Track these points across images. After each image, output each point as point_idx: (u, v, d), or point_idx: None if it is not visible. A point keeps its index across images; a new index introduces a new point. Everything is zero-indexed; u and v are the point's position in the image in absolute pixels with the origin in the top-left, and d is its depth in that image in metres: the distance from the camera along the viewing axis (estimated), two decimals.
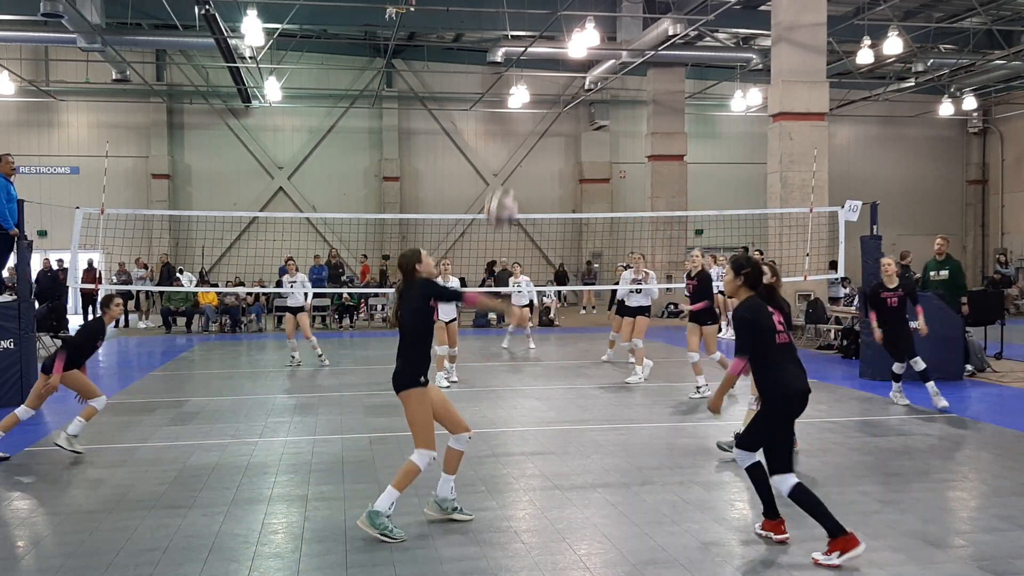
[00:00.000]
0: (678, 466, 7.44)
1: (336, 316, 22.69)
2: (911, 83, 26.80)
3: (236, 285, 22.26)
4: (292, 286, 14.88)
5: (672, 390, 11.80)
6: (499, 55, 22.84)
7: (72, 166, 28.00)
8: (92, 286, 20.13)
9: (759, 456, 5.55)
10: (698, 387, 10.89)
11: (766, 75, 22.42)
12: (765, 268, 5.97)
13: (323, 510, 6.26)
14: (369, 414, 10.04)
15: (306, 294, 14.91)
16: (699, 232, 29.26)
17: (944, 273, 13.11)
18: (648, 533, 5.67)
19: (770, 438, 5.42)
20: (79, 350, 8.20)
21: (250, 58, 22.84)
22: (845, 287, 18.48)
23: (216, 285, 23.54)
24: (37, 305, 14.88)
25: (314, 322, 22.71)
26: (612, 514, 6.11)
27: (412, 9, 18.19)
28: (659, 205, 25.29)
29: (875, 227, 12.86)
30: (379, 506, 5.61)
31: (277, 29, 20.77)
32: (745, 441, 5.62)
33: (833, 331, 16.62)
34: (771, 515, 5.59)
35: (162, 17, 21.83)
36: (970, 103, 28.11)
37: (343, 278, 24.21)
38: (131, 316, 23.59)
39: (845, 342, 15.26)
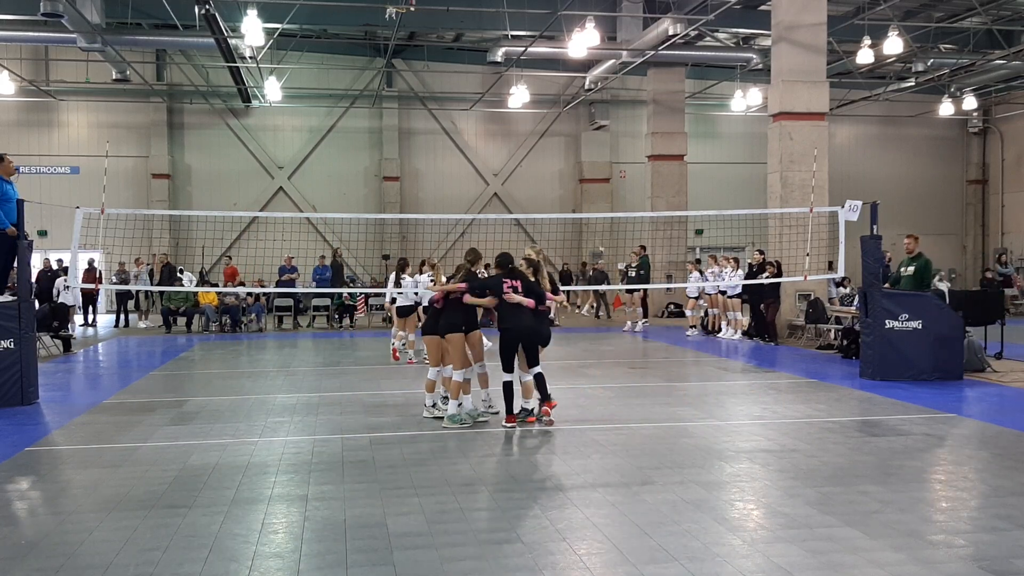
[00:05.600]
0: (678, 466, 7.44)
1: (337, 316, 22.71)
2: (911, 83, 26.80)
3: (236, 285, 22.27)
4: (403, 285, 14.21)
5: (673, 390, 11.81)
6: (499, 55, 22.84)
7: (72, 166, 28.01)
8: (92, 286, 20.14)
9: (511, 376, 9.07)
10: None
11: (766, 75, 22.43)
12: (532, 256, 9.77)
13: (323, 510, 6.26)
14: (369, 414, 10.04)
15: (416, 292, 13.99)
16: (699, 232, 29.28)
17: (911, 269, 13.12)
18: (648, 533, 5.67)
19: (503, 355, 9.09)
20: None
21: (250, 58, 22.84)
22: (845, 287, 18.49)
23: (216, 285, 23.55)
24: (37, 305, 14.88)
25: (313, 321, 22.80)
26: (612, 514, 6.11)
27: (412, 9, 18.18)
28: (659, 205, 25.28)
29: (875, 227, 12.86)
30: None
31: (277, 29, 20.78)
32: (503, 365, 9.09)
33: (833, 331, 16.62)
34: (508, 412, 9.11)
35: (162, 17, 21.84)
36: (970, 103, 28.10)
37: (346, 278, 24.22)
38: (131, 316, 23.59)
39: (845, 342, 15.26)
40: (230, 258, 24.98)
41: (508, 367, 9.07)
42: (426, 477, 7.14)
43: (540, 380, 9.14)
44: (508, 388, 9.04)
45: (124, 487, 6.87)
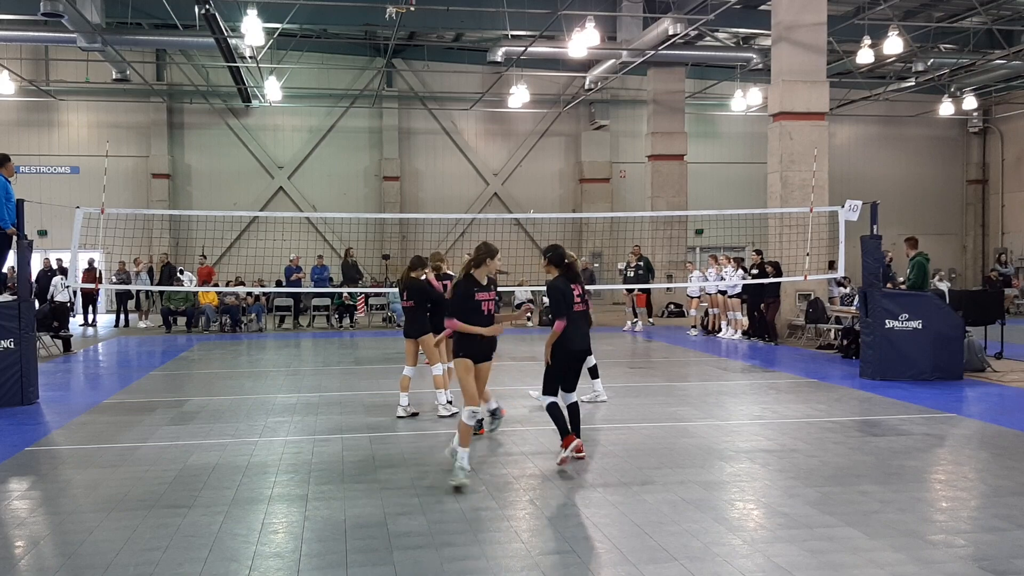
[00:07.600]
0: (678, 466, 7.44)
1: (337, 316, 22.70)
2: (911, 83, 26.78)
3: (236, 285, 22.27)
4: None
5: (673, 390, 11.80)
6: (499, 55, 22.84)
7: (72, 166, 28.00)
8: (92, 286, 20.15)
9: (556, 398, 7.47)
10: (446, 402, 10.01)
11: (766, 75, 22.42)
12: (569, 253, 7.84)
13: (323, 510, 6.26)
14: (369, 414, 10.04)
15: None
16: (699, 232, 29.27)
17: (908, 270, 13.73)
18: (648, 533, 5.67)
19: (554, 377, 7.47)
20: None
21: (250, 58, 22.84)
22: (845, 286, 18.49)
23: (216, 285, 23.53)
24: (37, 305, 14.89)
25: (313, 321, 22.79)
26: (612, 514, 6.11)
27: (412, 9, 18.18)
28: (659, 205, 25.28)
29: (875, 227, 12.87)
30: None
31: (277, 29, 20.77)
32: (546, 387, 7.54)
33: (833, 331, 16.62)
34: (564, 434, 7.46)
35: (162, 17, 21.84)
36: (970, 103, 28.08)
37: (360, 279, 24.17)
38: (131, 316, 23.58)
39: (845, 342, 15.25)
40: (205, 257, 24.74)
41: (556, 388, 7.62)
42: (426, 477, 7.14)
43: (564, 413, 7.56)
44: (560, 409, 7.55)
45: (124, 487, 6.88)
